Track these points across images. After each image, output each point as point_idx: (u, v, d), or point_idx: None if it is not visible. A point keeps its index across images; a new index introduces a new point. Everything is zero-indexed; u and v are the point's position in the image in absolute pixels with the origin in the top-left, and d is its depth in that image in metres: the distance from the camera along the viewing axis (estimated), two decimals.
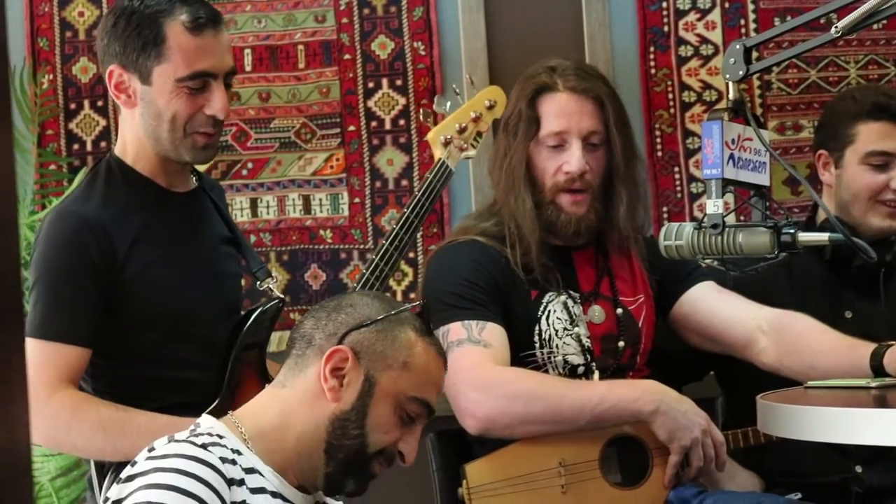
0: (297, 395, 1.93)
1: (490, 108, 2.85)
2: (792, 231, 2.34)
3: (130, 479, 1.84)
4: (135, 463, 1.88)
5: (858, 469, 2.90)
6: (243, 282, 2.74)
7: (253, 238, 3.44)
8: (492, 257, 2.77)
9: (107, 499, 1.87)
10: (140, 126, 2.49)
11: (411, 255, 3.44)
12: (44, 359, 2.39)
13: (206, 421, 1.96)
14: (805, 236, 2.35)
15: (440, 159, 2.78)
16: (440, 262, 2.83)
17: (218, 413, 2.14)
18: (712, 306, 2.87)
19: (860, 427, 1.93)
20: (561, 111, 2.78)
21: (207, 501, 1.78)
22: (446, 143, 2.79)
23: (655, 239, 2.42)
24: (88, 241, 2.42)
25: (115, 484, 1.88)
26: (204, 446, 1.84)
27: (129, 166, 2.51)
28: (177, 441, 1.86)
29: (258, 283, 2.64)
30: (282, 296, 2.62)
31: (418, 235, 3.42)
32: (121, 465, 2.38)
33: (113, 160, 2.53)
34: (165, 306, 2.49)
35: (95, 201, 2.47)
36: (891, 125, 2.93)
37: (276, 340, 3.17)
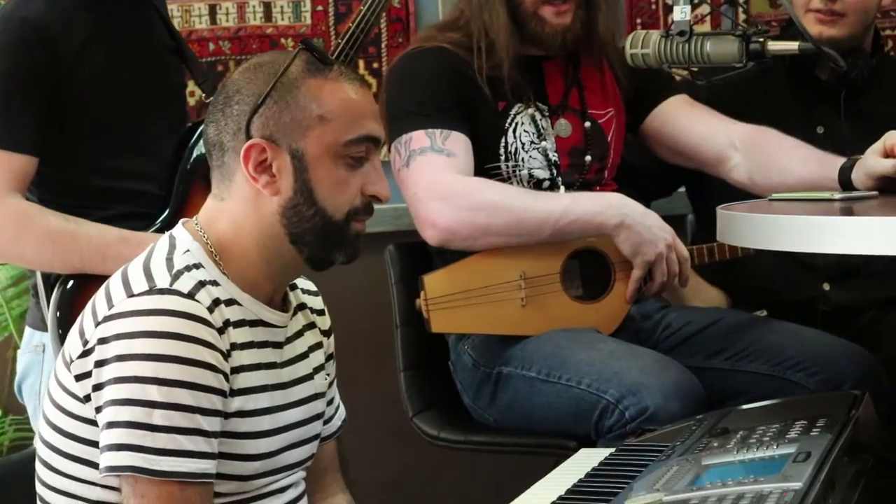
0: (238, 205, 1.82)
1: None
2: (761, 39, 2.28)
3: (117, 337, 1.70)
4: (110, 298, 1.75)
5: (826, 287, 2.90)
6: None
7: (212, 46, 3.35)
8: (458, 66, 2.68)
9: (87, 341, 1.74)
10: None
11: (375, 65, 3.36)
12: None
13: (181, 237, 1.83)
14: (774, 45, 2.30)
15: None
16: (404, 69, 2.74)
17: (168, 225, 2.06)
18: (685, 121, 2.82)
19: (814, 235, 1.88)
20: None
21: (212, 363, 1.72)
22: None
23: None
24: (33, 45, 2.36)
25: (94, 326, 1.75)
26: (191, 296, 1.73)
27: None
28: (161, 292, 1.73)
29: (204, 95, 2.59)
30: None
31: (383, 46, 3.35)
32: (69, 276, 2.36)
33: None
34: (118, 115, 2.44)
35: (39, 3, 2.40)
36: None
37: None
